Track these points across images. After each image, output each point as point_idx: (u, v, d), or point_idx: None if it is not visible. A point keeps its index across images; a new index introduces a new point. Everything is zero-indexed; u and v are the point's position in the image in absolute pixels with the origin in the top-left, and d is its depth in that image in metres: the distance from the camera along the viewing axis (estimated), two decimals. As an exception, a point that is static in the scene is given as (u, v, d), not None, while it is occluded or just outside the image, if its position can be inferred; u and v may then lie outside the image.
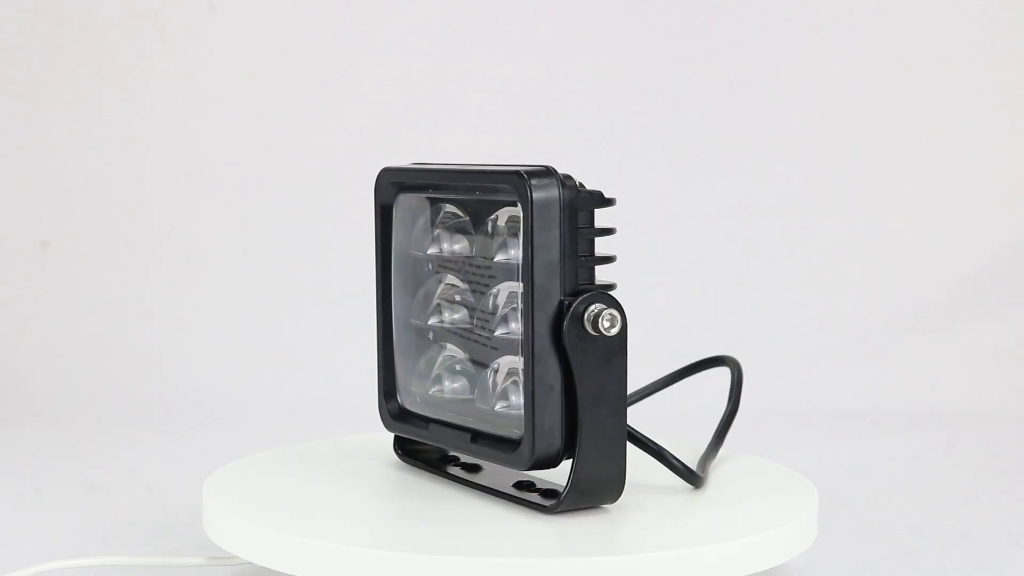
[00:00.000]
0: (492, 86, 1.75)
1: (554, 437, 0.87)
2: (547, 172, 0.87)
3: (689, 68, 1.76)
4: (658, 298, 1.73)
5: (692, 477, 0.95)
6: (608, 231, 0.89)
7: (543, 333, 0.87)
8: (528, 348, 0.87)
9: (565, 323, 0.86)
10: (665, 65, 1.76)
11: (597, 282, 0.89)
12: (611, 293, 0.88)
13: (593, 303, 0.87)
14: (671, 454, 0.94)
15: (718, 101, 1.76)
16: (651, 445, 0.94)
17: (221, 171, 1.73)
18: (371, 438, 1.11)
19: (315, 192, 1.73)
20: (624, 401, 0.88)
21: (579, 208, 0.87)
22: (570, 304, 0.86)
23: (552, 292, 0.87)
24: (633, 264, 1.73)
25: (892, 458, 1.44)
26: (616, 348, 0.88)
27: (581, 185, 0.88)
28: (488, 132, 1.74)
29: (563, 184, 0.87)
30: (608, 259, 0.89)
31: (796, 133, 1.77)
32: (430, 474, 1.00)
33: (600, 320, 0.86)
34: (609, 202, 0.89)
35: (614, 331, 0.87)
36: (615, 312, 0.87)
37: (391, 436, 1.10)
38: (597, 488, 0.89)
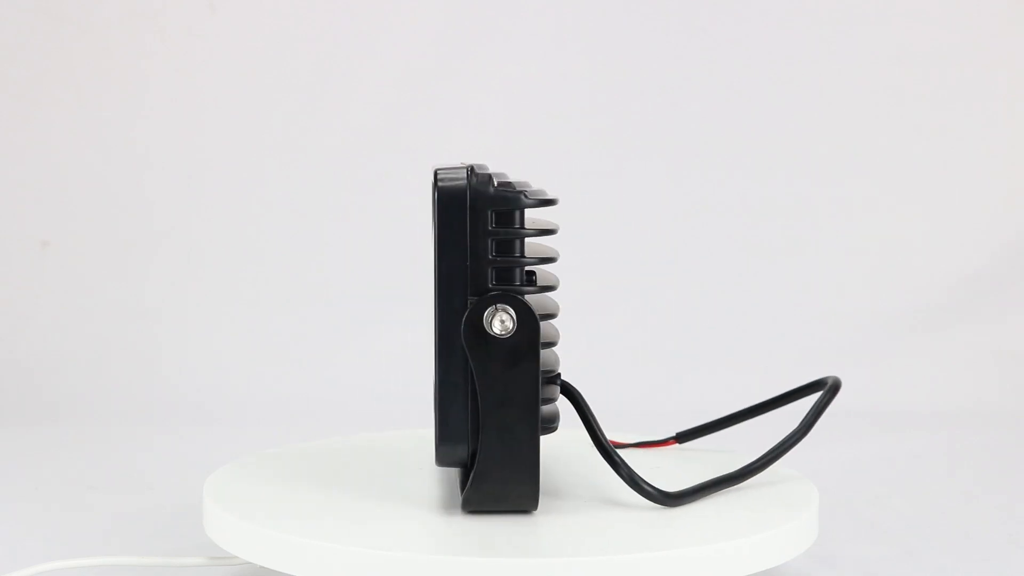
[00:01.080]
0: (492, 86, 1.75)
1: (459, 435, 0.88)
2: (459, 170, 0.87)
3: (689, 68, 1.76)
4: (658, 298, 1.73)
5: (665, 499, 0.92)
6: (546, 231, 0.88)
7: (446, 332, 0.87)
8: (436, 347, 0.87)
9: (462, 323, 0.86)
10: (665, 65, 1.76)
11: (543, 283, 0.89)
12: (522, 295, 0.87)
13: (493, 304, 0.86)
14: (641, 478, 0.92)
15: (718, 101, 1.76)
16: (623, 468, 0.92)
17: (221, 171, 1.73)
18: (372, 438, 1.11)
19: (315, 192, 1.73)
20: (535, 405, 0.87)
21: (499, 208, 0.86)
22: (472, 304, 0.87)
23: (456, 292, 0.87)
24: (633, 264, 1.74)
25: (892, 458, 1.44)
26: (523, 350, 0.87)
27: (505, 184, 0.87)
28: (488, 132, 1.74)
29: (476, 182, 0.86)
30: (546, 260, 0.88)
31: (796, 133, 1.76)
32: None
33: (492, 321, 0.86)
34: (548, 203, 0.87)
35: (504, 333, 0.86)
36: (509, 314, 0.86)
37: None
38: (504, 492, 0.88)
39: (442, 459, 0.89)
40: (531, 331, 0.86)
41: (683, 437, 1.07)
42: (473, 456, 0.88)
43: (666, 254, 1.75)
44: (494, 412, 0.87)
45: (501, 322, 0.86)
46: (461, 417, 0.88)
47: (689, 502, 0.93)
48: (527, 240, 0.89)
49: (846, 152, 1.77)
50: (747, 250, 1.74)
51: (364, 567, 0.83)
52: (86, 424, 1.54)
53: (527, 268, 0.88)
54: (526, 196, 0.87)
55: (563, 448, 1.03)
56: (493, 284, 0.87)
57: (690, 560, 0.84)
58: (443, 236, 0.86)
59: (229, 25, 1.73)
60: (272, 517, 0.90)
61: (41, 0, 1.71)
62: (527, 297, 0.87)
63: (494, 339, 0.86)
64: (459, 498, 0.94)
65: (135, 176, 1.72)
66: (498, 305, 0.86)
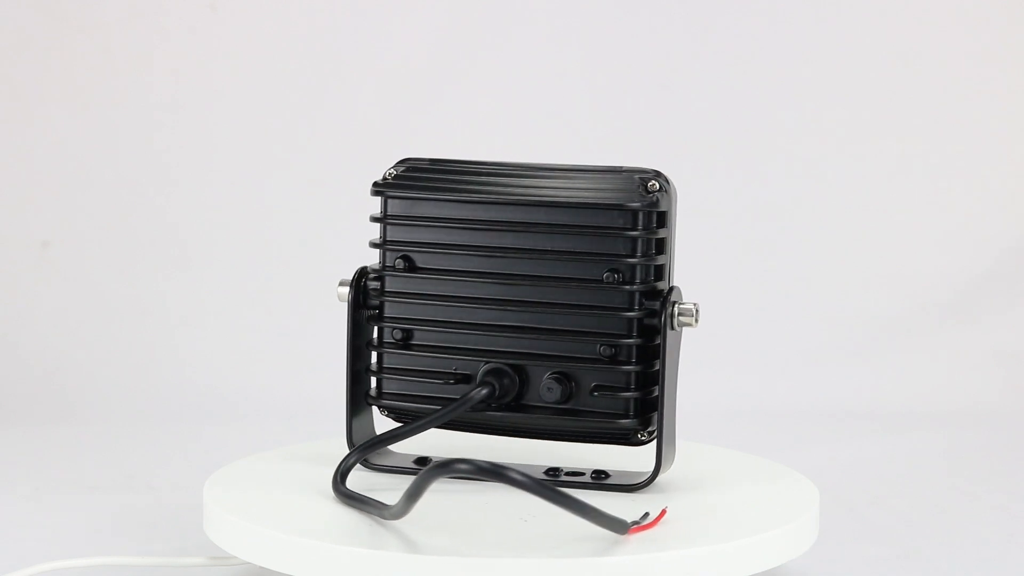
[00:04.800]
0: (492, 87, 1.75)
1: None
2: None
3: (689, 67, 1.76)
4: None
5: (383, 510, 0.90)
6: (376, 219, 1.01)
7: None
8: None
9: None
10: (665, 65, 1.76)
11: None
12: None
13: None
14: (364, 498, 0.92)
15: (718, 100, 1.76)
16: (346, 460, 0.97)
17: (222, 170, 1.73)
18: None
19: (317, 191, 1.73)
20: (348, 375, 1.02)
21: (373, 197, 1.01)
22: None
23: None
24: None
25: (892, 458, 1.44)
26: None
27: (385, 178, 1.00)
28: (489, 132, 1.74)
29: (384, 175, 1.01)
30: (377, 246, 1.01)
31: (797, 133, 1.76)
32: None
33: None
34: (377, 194, 1.00)
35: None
36: (344, 289, 1.04)
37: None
38: None
39: None
40: (356, 309, 1.02)
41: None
42: None
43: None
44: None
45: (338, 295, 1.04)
46: None
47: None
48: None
49: (846, 152, 1.77)
50: (747, 250, 1.74)
51: (364, 567, 0.83)
52: (86, 424, 1.54)
53: (401, 252, 1.00)
54: (376, 186, 1.00)
55: (571, 447, 1.03)
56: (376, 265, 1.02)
57: (690, 560, 0.84)
58: None
59: (230, 25, 1.73)
60: (272, 517, 0.90)
61: (41, 0, 1.71)
62: (391, 277, 1.00)
63: None
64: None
65: (135, 176, 1.72)
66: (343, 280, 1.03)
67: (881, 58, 1.77)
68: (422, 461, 1.01)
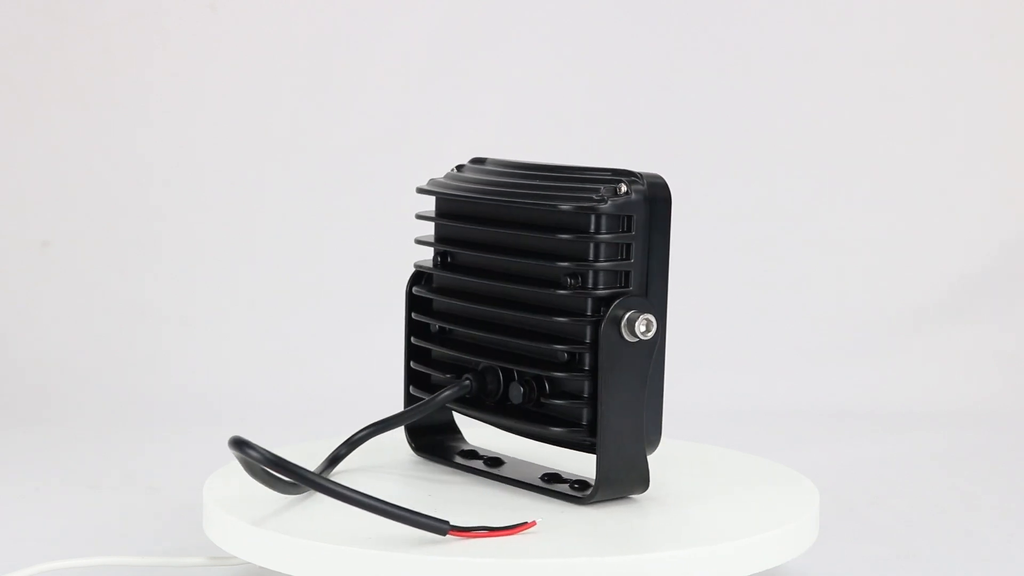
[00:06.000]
0: (493, 88, 1.75)
1: None
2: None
3: (689, 67, 1.76)
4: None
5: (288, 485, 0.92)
6: (426, 217, 1.01)
7: None
8: None
9: None
10: (667, 65, 1.76)
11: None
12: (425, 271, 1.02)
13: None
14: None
15: (718, 101, 1.76)
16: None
17: (222, 171, 1.73)
18: (373, 437, 1.11)
19: (317, 191, 1.73)
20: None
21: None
22: None
23: None
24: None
25: (892, 458, 1.44)
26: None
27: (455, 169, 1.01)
28: (489, 133, 1.74)
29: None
30: (427, 244, 1.02)
31: (796, 133, 1.76)
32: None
33: None
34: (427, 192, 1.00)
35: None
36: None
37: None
38: None
39: None
40: (410, 303, 1.03)
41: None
42: None
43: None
44: None
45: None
46: None
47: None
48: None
49: (846, 152, 1.77)
50: (747, 250, 1.74)
51: (364, 567, 0.83)
52: (86, 424, 1.54)
53: (442, 250, 1.01)
54: (422, 187, 1.00)
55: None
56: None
57: (690, 560, 0.84)
58: None
59: (230, 25, 1.73)
60: (272, 517, 0.90)
61: (41, 0, 1.71)
62: (438, 274, 1.01)
63: None
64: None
65: (136, 176, 1.72)
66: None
67: (880, 59, 1.77)
68: (467, 454, 1.02)
